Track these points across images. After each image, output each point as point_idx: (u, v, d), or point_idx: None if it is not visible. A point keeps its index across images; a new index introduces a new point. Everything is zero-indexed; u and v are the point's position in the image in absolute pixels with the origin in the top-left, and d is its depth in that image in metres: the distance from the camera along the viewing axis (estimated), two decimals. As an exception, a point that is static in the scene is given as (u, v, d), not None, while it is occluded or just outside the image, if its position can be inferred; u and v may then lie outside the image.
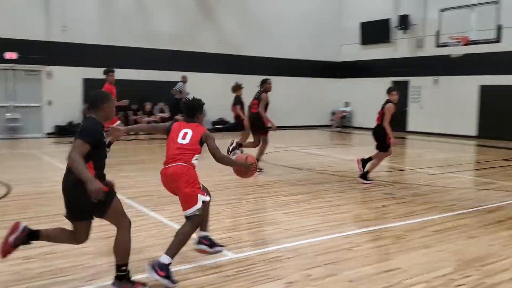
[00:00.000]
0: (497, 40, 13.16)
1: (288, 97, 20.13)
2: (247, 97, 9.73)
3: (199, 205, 3.82)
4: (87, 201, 3.19)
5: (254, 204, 6.61)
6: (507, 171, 9.92)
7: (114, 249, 3.56)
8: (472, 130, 16.90)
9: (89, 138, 3.32)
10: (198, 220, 3.90)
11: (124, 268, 3.56)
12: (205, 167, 5.21)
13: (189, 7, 18.40)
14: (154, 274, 3.56)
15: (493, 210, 6.41)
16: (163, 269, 3.57)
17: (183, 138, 3.97)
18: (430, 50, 17.10)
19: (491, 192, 7.72)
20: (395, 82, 19.99)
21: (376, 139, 8.10)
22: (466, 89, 17.20)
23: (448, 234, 5.24)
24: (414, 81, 19.38)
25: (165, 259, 3.62)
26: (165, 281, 3.56)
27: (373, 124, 8.22)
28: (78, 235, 3.57)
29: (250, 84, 10.42)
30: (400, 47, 19.93)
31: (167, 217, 5.62)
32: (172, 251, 3.70)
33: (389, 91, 8.14)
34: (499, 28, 13.07)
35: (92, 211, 3.46)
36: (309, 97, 21.28)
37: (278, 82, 20.14)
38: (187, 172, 3.85)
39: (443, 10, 14.35)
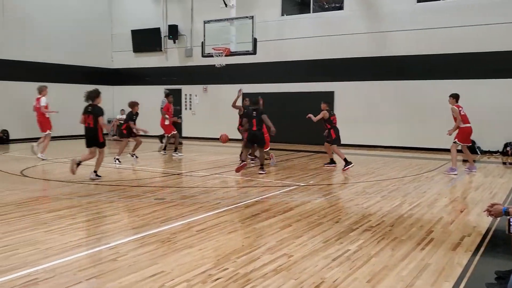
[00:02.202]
0: (253, 52, 14.62)
1: (58, 105, 18.77)
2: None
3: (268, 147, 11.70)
4: (263, 138, 10.76)
5: (11, 225, 5.91)
6: (267, 169, 11.09)
7: (259, 158, 10.66)
8: (238, 134, 18.42)
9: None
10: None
11: (264, 164, 10.50)
12: None
13: None
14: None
15: (250, 205, 7.09)
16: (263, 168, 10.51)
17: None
18: (198, 59, 18.06)
19: (250, 189, 8.56)
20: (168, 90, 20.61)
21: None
22: (231, 96, 18.68)
23: (210, 232, 5.58)
24: (186, 89, 20.22)
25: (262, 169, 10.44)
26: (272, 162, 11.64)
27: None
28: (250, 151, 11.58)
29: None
30: (171, 56, 20.57)
31: None
32: (262, 162, 10.60)
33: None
34: (255, 42, 14.53)
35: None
36: (80, 104, 20.15)
37: (48, 89, 18.75)
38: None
39: (207, 22, 15.28)
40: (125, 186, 8.81)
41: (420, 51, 15.30)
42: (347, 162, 10.98)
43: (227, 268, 4.35)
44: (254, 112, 10.59)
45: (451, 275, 4.27)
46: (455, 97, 10.61)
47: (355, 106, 16.52)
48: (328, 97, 16.86)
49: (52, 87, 19.29)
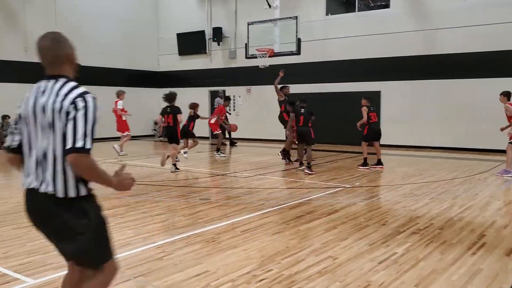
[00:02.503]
0: (297, 53, 14.58)
1: (104, 107, 19.49)
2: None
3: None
4: (311, 134, 10.71)
5: (63, 223, 6.15)
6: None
7: (307, 157, 10.52)
8: (282, 134, 18.42)
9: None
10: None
11: (311, 164, 10.57)
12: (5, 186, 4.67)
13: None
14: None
15: (294, 206, 7.06)
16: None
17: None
18: (241, 61, 18.19)
19: (294, 190, 8.52)
20: (212, 92, 20.86)
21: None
22: (274, 97, 18.71)
23: (255, 232, 5.60)
24: (230, 91, 20.39)
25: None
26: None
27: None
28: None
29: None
30: (215, 58, 20.81)
31: None
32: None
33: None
34: (299, 42, 14.49)
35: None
36: (128, 107, 20.77)
37: (93, 92, 19.44)
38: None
39: (250, 23, 15.37)
40: (171, 186, 8.98)
41: (470, 48, 14.77)
42: (365, 163, 11.17)
43: (272, 269, 4.34)
44: (302, 109, 10.80)
45: (506, 281, 4.09)
46: (506, 94, 10.16)
47: (402, 106, 16.14)
48: (374, 97, 16.62)
49: (101, 90, 20.01)
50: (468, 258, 4.68)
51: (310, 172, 10.30)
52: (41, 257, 4.71)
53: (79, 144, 2.38)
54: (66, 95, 2.49)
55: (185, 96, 21.10)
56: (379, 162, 11.29)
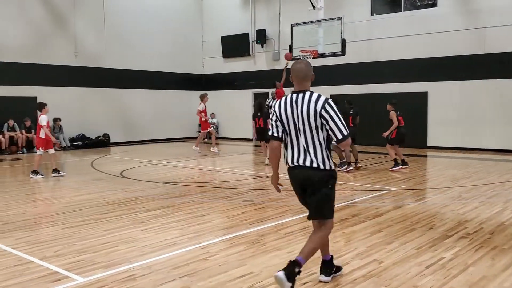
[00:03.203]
0: (342, 53, 14.41)
1: (152, 110, 20.18)
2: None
3: None
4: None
5: (111, 223, 6.35)
6: (355, 172, 10.88)
7: (354, 154, 11.16)
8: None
9: None
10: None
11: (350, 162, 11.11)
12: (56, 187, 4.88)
13: (39, 17, 17.23)
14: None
15: (339, 209, 6.98)
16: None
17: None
18: (285, 63, 18.14)
19: (339, 193, 8.39)
20: (255, 94, 20.95)
21: None
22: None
23: (299, 235, 5.58)
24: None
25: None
26: None
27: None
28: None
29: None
30: (259, 60, 20.90)
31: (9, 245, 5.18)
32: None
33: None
34: (343, 43, 14.32)
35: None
36: (174, 109, 21.26)
37: (140, 95, 20.04)
38: None
39: (294, 25, 15.33)
40: (215, 187, 9.10)
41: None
42: (398, 163, 11.15)
43: (316, 273, 4.31)
44: (351, 110, 11.25)
45: (563, 290, 3.88)
46: None
47: (451, 107, 15.64)
48: (421, 98, 16.21)
49: (147, 93, 20.60)
50: (522, 265, 4.48)
51: (356, 167, 11.07)
52: (91, 255, 4.89)
53: (345, 133, 3.70)
54: (316, 102, 3.70)
55: (230, 98, 21.46)
56: (396, 163, 11.14)
